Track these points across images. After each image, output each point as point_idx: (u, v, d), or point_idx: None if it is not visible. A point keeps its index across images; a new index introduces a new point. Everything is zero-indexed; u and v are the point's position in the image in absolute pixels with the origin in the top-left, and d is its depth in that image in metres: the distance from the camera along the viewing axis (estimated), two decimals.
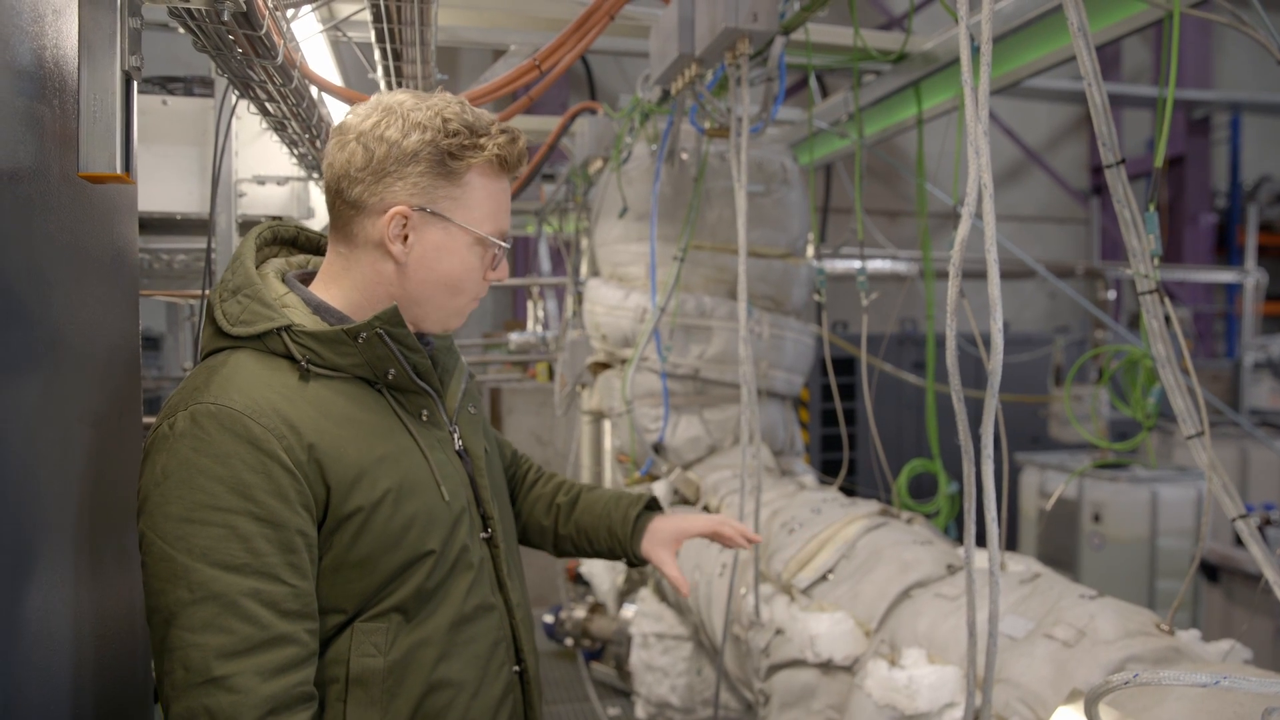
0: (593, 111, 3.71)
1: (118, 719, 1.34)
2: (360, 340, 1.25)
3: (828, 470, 6.66)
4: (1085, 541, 4.94)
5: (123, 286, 1.37)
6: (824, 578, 2.33)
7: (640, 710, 3.37)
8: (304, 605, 1.17)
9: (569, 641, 3.97)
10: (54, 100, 1.11)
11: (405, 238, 1.28)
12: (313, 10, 2.16)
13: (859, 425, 6.88)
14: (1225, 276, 8.61)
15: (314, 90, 2.18)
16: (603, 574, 4.13)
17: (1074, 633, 1.67)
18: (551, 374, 5.14)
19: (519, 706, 1.44)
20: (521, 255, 7.73)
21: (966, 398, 1.32)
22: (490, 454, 1.51)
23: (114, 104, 1.14)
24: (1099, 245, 10.56)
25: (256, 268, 1.32)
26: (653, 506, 1.72)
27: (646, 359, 3.48)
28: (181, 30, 1.52)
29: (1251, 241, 8.75)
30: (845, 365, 6.64)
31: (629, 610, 3.61)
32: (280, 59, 1.68)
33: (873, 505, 2.61)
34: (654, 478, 3.49)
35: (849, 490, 3.09)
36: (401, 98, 1.29)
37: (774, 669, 2.30)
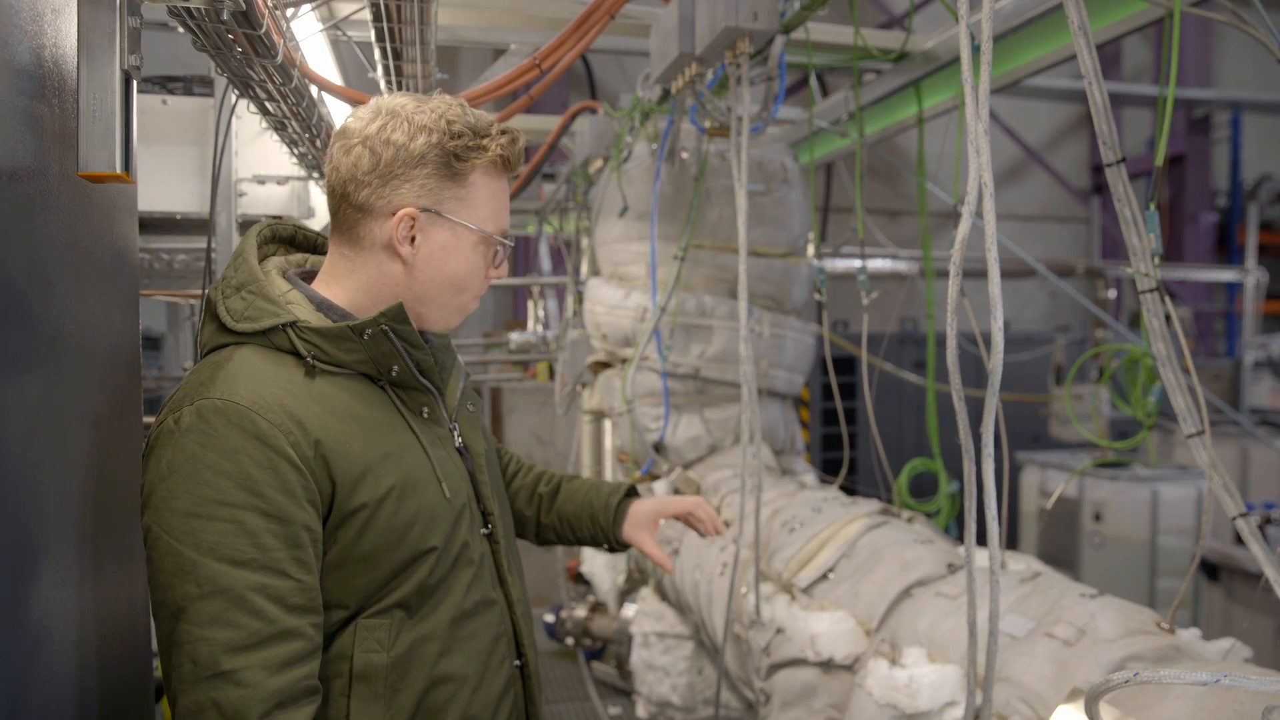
0: (593, 111, 3.71)
1: (120, 718, 1.34)
2: (366, 336, 1.27)
3: (828, 469, 6.66)
4: (1086, 540, 4.94)
5: (123, 286, 1.37)
6: (825, 577, 2.33)
7: (641, 709, 3.37)
8: (310, 600, 1.18)
9: (570, 641, 3.97)
10: (53, 100, 1.11)
11: (412, 239, 1.30)
12: (312, 9, 2.16)
13: (859, 424, 6.88)
14: (1225, 275, 8.60)
15: (314, 89, 2.18)
16: (603, 573, 4.13)
17: (1074, 631, 1.67)
18: (552, 373, 5.14)
19: (519, 701, 1.45)
20: (522, 255, 7.73)
21: (967, 397, 1.32)
22: (489, 451, 1.53)
23: (113, 103, 1.14)
24: (1099, 244, 10.56)
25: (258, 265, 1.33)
26: (631, 494, 1.78)
27: (647, 358, 3.48)
28: (181, 29, 1.52)
29: (1252, 240, 8.75)
30: (846, 364, 6.64)
31: (630, 609, 3.61)
32: (280, 58, 1.68)
33: (873, 504, 2.61)
34: (655, 477, 3.49)
35: (849, 489, 3.09)
36: (402, 101, 1.31)
37: (775, 668, 2.30)
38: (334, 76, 2.56)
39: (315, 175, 2.85)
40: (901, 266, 7.00)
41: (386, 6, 1.98)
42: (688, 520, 1.80)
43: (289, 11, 2.00)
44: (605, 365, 3.91)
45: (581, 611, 3.95)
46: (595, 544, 1.77)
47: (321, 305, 1.31)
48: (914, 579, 2.14)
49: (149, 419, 1.49)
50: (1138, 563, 4.84)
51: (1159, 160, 1.45)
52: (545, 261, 6.50)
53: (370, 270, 1.32)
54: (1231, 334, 10.05)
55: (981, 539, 1.37)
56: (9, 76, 1.00)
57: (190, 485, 1.13)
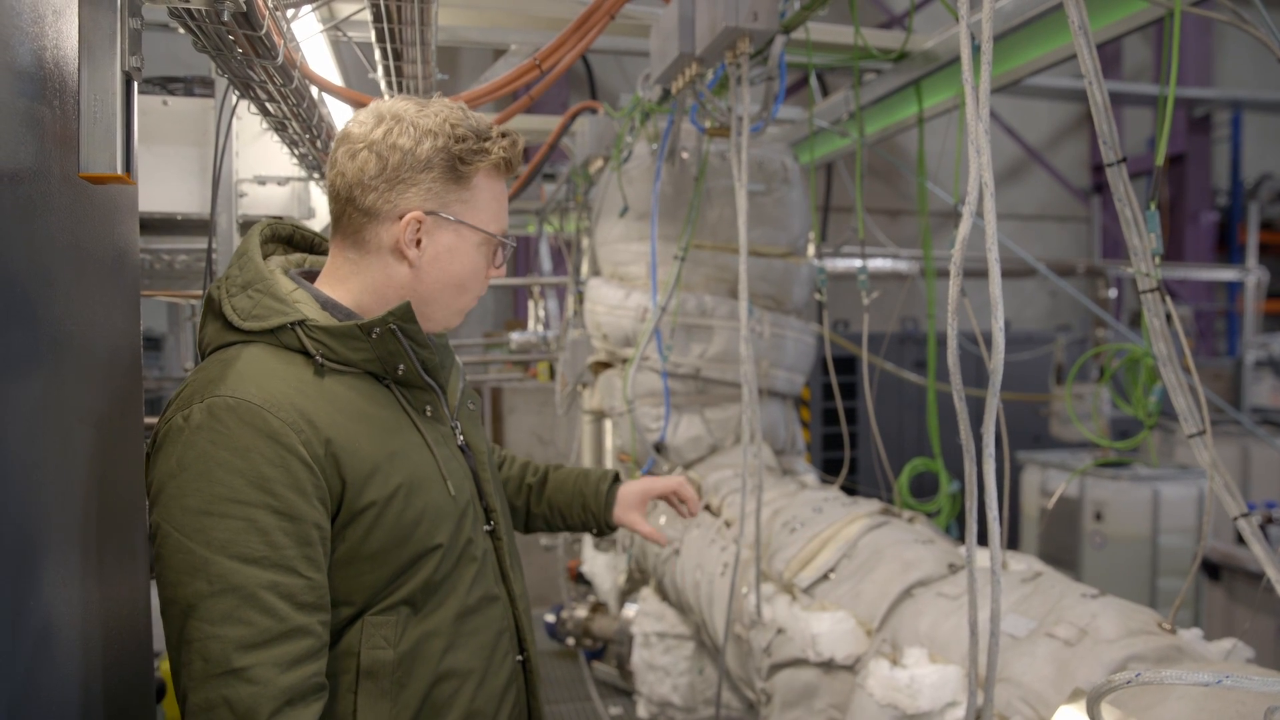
0: (593, 111, 3.71)
1: (122, 718, 1.34)
2: (374, 335, 1.28)
3: (829, 469, 6.66)
4: (1087, 540, 4.94)
5: (124, 287, 1.37)
6: (825, 577, 2.33)
7: (642, 709, 3.37)
8: (319, 598, 1.19)
9: (570, 641, 3.97)
10: (54, 101, 1.11)
11: (418, 242, 1.32)
12: (313, 10, 2.16)
13: (860, 424, 6.88)
14: (1226, 275, 8.60)
15: (314, 90, 2.18)
16: (604, 573, 4.13)
17: (1076, 632, 1.67)
18: (552, 373, 5.14)
19: (521, 695, 1.48)
20: (522, 255, 7.73)
21: (967, 396, 1.32)
22: (489, 450, 1.56)
23: (114, 104, 1.15)
24: (1100, 243, 10.56)
25: None
26: (617, 479, 1.87)
27: (647, 358, 3.48)
28: (181, 30, 1.52)
29: (1252, 239, 8.73)
30: (846, 364, 6.64)
31: (630, 610, 3.61)
32: (280, 59, 1.68)
33: (874, 504, 2.61)
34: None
35: (850, 489, 3.09)
36: (404, 105, 1.32)
37: (776, 668, 2.30)
38: (334, 77, 2.56)
39: (316, 176, 2.85)
40: (902, 266, 7.00)
41: (387, 7, 1.98)
42: (674, 497, 1.89)
43: (289, 12, 1.99)
44: (606, 365, 3.91)
45: (582, 611, 3.95)
46: (585, 529, 1.83)
47: (327, 305, 1.32)
48: (915, 579, 2.14)
49: (150, 419, 1.49)
50: (1139, 562, 4.84)
51: (1159, 160, 1.45)
52: (546, 261, 6.50)
53: (375, 272, 1.33)
54: (1232, 333, 10.05)
55: (982, 539, 1.37)
56: (10, 78, 1.00)
57: (201, 483, 1.13)
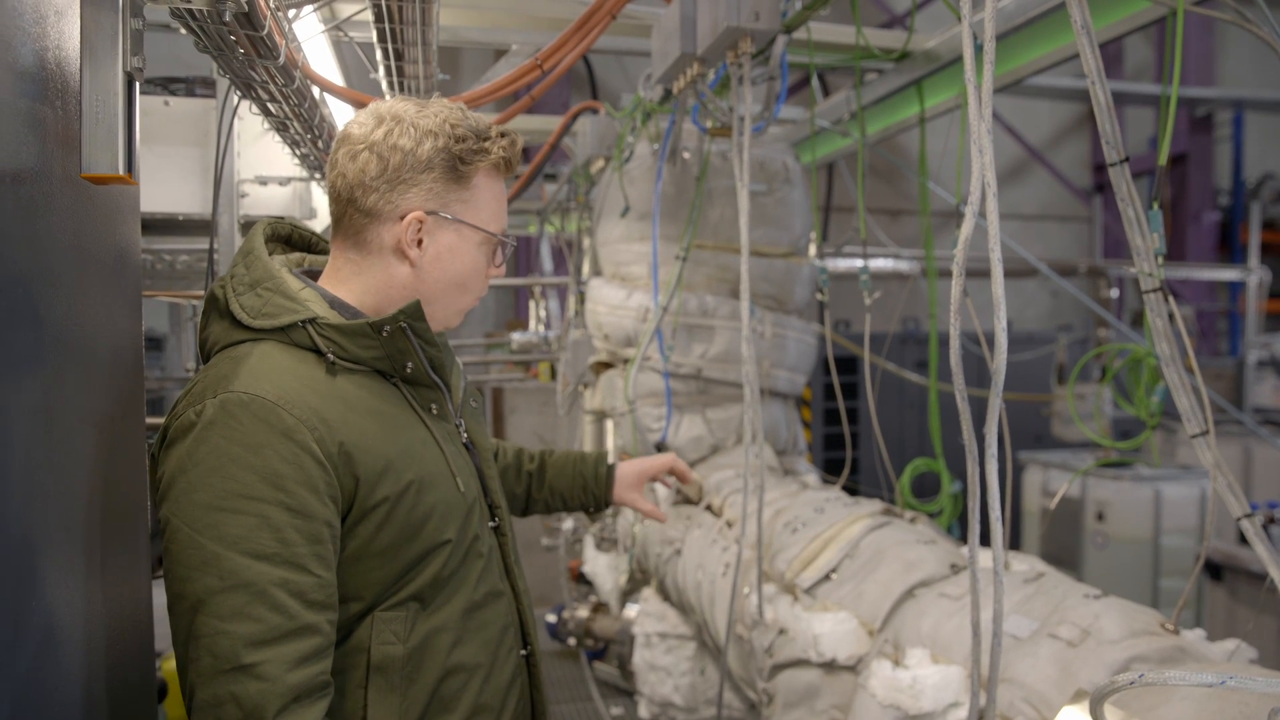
0: (594, 111, 3.70)
1: (127, 717, 1.34)
2: (385, 333, 1.28)
3: (830, 469, 6.66)
4: (1088, 540, 4.93)
5: (125, 287, 1.37)
6: (827, 577, 2.33)
7: (643, 710, 3.37)
8: (328, 596, 1.19)
9: (572, 641, 3.97)
10: (56, 101, 1.11)
11: (419, 241, 1.32)
12: (314, 10, 2.16)
13: (862, 424, 6.88)
14: (1228, 274, 8.59)
15: (316, 91, 2.18)
16: (605, 574, 4.13)
17: (1078, 632, 1.67)
18: (554, 374, 5.13)
19: (525, 689, 1.50)
20: (523, 255, 7.73)
21: (969, 396, 1.32)
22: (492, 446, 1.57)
23: (116, 105, 1.14)
24: (1101, 243, 10.55)
25: None
26: (611, 462, 2.00)
27: (649, 358, 3.47)
28: (183, 31, 1.52)
29: (1254, 239, 8.73)
30: (848, 364, 6.64)
31: (632, 610, 3.60)
32: (282, 59, 1.68)
33: (876, 504, 2.60)
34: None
35: (852, 489, 3.08)
36: (403, 105, 1.33)
37: (777, 669, 2.30)
38: (336, 77, 2.56)
39: (317, 176, 2.85)
40: (903, 266, 6.99)
41: (388, 7, 1.98)
42: (671, 474, 2.04)
43: (291, 13, 1.99)
44: (607, 365, 3.91)
45: (584, 612, 3.95)
46: (583, 509, 1.96)
47: (334, 303, 1.33)
48: (917, 579, 2.14)
49: (152, 420, 1.49)
50: (1140, 563, 4.83)
51: (1162, 159, 1.45)
52: (547, 262, 6.50)
53: (377, 273, 1.34)
54: (1234, 333, 10.04)
55: (985, 539, 1.36)
56: (12, 79, 1.00)
57: (214, 478, 1.13)
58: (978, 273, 1.66)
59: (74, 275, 1.16)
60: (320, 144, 2.40)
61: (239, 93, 1.96)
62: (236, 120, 2.54)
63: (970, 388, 1.33)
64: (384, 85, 2.45)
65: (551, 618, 4.02)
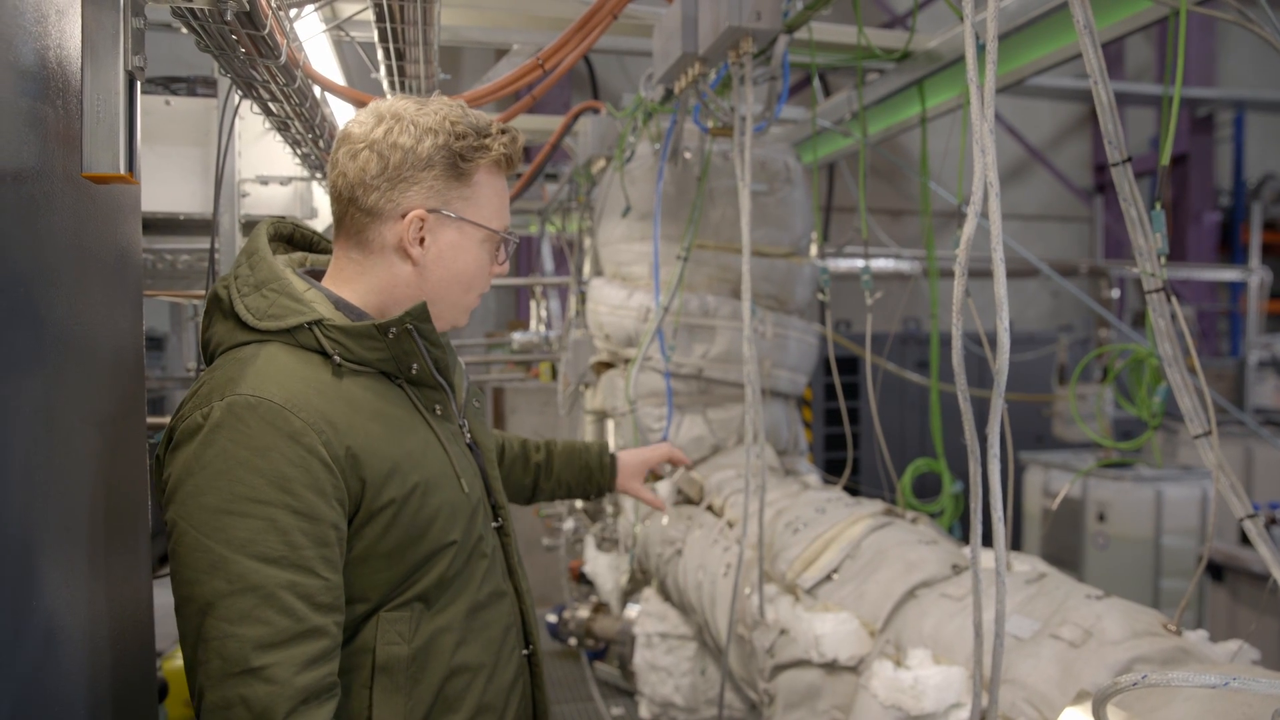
0: (595, 111, 3.70)
1: (128, 717, 1.34)
2: (391, 335, 1.28)
3: (831, 470, 6.65)
4: (1089, 541, 4.93)
5: (126, 287, 1.37)
6: (828, 578, 2.33)
7: (644, 710, 3.37)
8: (335, 598, 1.19)
9: (572, 641, 3.96)
10: (57, 101, 1.10)
11: (421, 240, 1.32)
12: (316, 10, 2.16)
13: (863, 424, 6.88)
14: (1229, 275, 8.58)
15: (317, 90, 2.17)
16: (606, 574, 4.13)
17: (1080, 633, 1.67)
18: (555, 374, 5.13)
19: (528, 688, 1.50)
20: (525, 255, 7.73)
21: (970, 396, 1.31)
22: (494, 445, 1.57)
23: (117, 104, 1.14)
24: (1102, 243, 10.54)
25: None
26: (613, 451, 2.09)
27: (650, 358, 3.47)
28: (184, 30, 1.52)
29: (1255, 240, 8.72)
30: (849, 364, 6.63)
31: (633, 610, 3.60)
32: (283, 59, 1.68)
33: (877, 505, 2.60)
34: (658, 477, 3.48)
35: (853, 490, 3.08)
36: (403, 104, 1.33)
37: (778, 669, 2.29)
38: (337, 77, 2.56)
39: (318, 176, 2.85)
40: (905, 266, 6.98)
41: (389, 7, 1.98)
42: (669, 462, 2.16)
43: (292, 12, 1.99)
44: (608, 365, 3.91)
45: (584, 612, 3.95)
46: (585, 496, 2.06)
47: (338, 304, 1.33)
48: (919, 580, 2.13)
49: (153, 420, 1.49)
50: (1142, 563, 4.83)
51: (1164, 159, 1.44)
52: (548, 261, 6.49)
53: (380, 272, 1.33)
54: (1235, 334, 10.03)
55: (986, 540, 1.36)
56: (13, 78, 1.00)
57: (221, 481, 1.13)
58: (979, 273, 1.66)
59: (75, 274, 1.16)
60: (321, 143, 2.39)
61: (240, 92, 1.96)
62: (238, 120, 2.54)
63: (971, 388, 1.33)
64: (385, 85, 2.45)
65: (552, 618, 4.02)
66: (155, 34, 1.45)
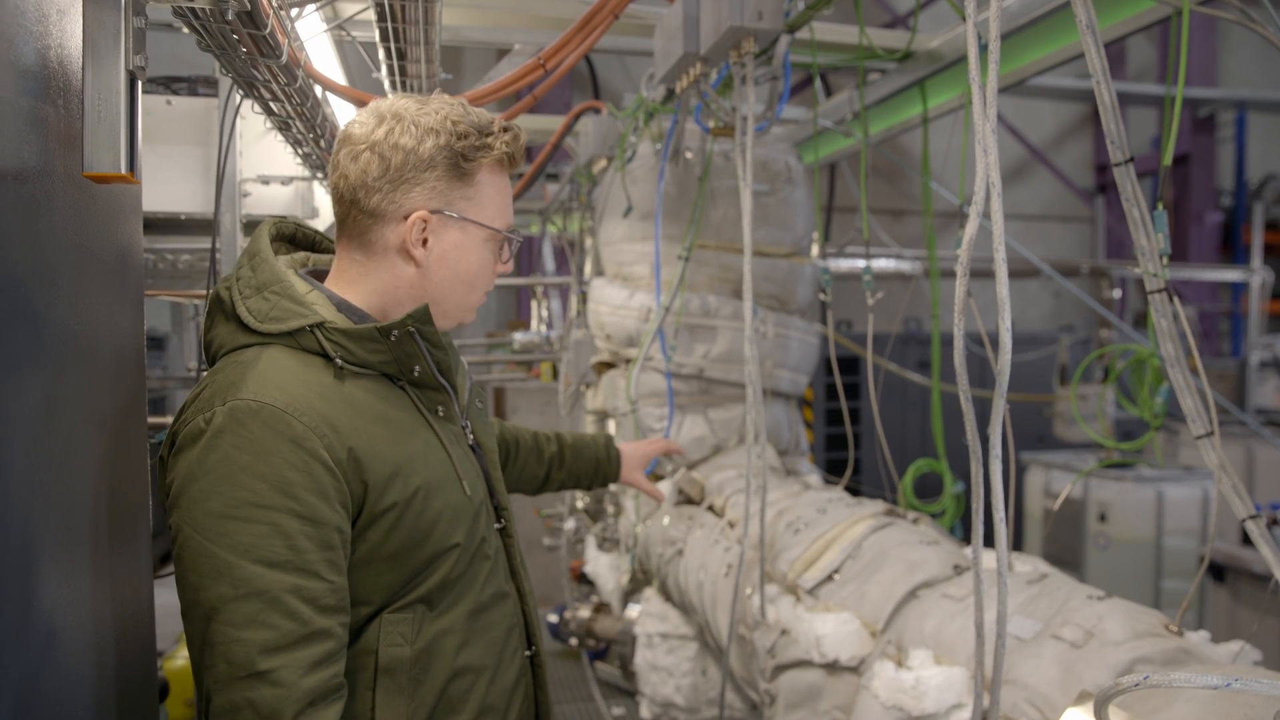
0: (597, 111, 3.70)
1: (130, 717, 1.34)
2: (393, 338, 1.28)
3: (833, 470, 6.65)
4: (1090, 541, 4.92)
5: (127, 286, 1.37)
6: (830, 578, 2.32)
7: (645, 710, 3.37)
8: (339, 600, 1.19)
9: (573, 641, 3.96)
10: (58, 100, 1.10)
11: (425, 241, 1.32)
12: (317, 10, 2.16)
13: (864, 425, 6.87)
14: (1231, 275, 8.57)
15: (318, 90, 2.17)
16: (607, 574, 4.13)
17: (1082, 634, 1.66)
18: (556, 373, 5.13)
19: (530, 689, 1.50)
20: (526, 255, 7.73)
21: (972, 397, 1.31)
22: (498, 441, 1.57)
23: (118, 104, 1.14)
24: (1104, 244, 10.53)
25: None
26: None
27: (651, 358, 3.47)
28: (186, 30, 1.52)
29: (1257, 240, 8.71)
30: (850, 364, 6.63)
31: (633, 610, 3.60)
32: (284, 58, 1.68)
33: (878, 505, 2.60)
34: (659, 477, 3.48)
35: (854, 490, 3.08)
36: (404, 103, 1.32)
37: (779, 669, 2.29)
38: (338, 77, 2.56)
39: (319, 175, 2.84)
40: (906, 266, 6.98)
41: (391, 6, 1.97)
42: (659, 470, 2.25)
43: (293, 12, 1.99)
44: (609, 365, 3.91)
45: (585, 612, 3.95)
46: (590, 486, 2.15)
47: (341, 306, 1.32)
48: (920, 580, 2.13)
49: (154, 419, 1.49)
50: (1142, 564, 4.82)
51: (1166, 159, 1.44)
52: (549, 261, 6.49)
53: (384, 274, 1.33)
54: (1236, 334, 10.02)
55: (988, 540, 1.36)
56: (14, 77, 1.00)
57: (224, 486, 1.13)
58: (981, 273, 1.66)
59: (76, 274, 1.16)
60: (322, 143, 2.39)
61: (241, 92, 1.96)
62: (239, 119, 2.54)
63: (973, 388, 1.33)
64: (386, 84, 2.45)
65: (553, 618, 4.02)
66: (156, 33, 1.45)
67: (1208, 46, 9.72)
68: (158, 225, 2.93)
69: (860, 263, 6.08)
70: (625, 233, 3.65)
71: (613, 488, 3.92)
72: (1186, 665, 1.55)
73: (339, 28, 2.48)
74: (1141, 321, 9.04)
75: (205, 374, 1.28)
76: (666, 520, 3.31)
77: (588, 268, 4.23)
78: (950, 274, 6.33)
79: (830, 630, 2.10)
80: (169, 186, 2.72)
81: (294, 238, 1.48)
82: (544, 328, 6.06)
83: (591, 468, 2.11)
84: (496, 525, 1.46)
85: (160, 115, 2.73)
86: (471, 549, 1.36)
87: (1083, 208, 10.67)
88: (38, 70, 1.05)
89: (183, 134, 2.75)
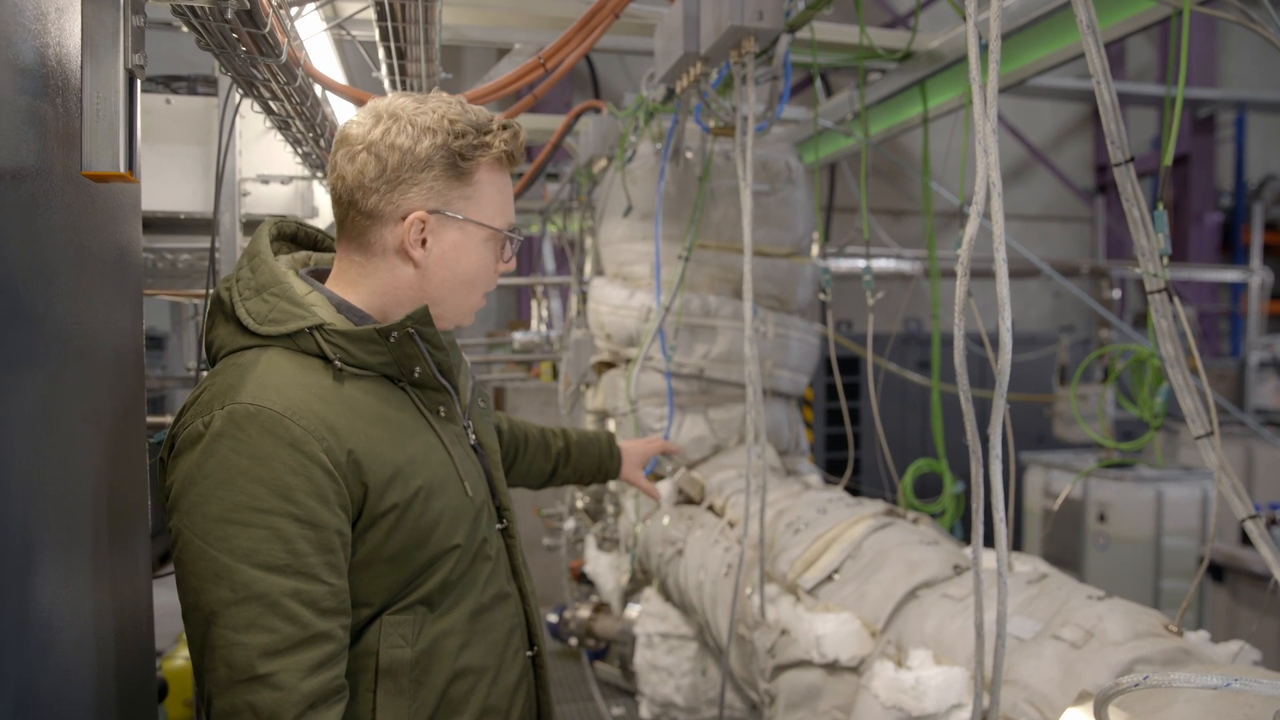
0: (597, 110, 3.70)
1: (129, 717, 1.34)
2: (392, 339, 1.27)
3: (833, 470, 6.65)
4: (1090, 541, 4.92)
5: (126, 286, 1.37)
6: (830, 578, 2.32)
7: (645, 710, 3.37)
8: (340, 603, 1.19)
9: (573, 641, 3.96)
10: (57, 99, 1.10)
11: (423, 241, 1.31)
12: (316, 9, 2.15)
13: (864, 425, 6.88)
14: (1230, 275, 8.58)
15: (318, 89, 2.17)
16: (607, 574, 4.13)
17: (1082, 634, 1.66)
18: (556, 373, 5.13)
19: (532, 690, 1.49)
20: (526, 254, 7.73)
21: (972, 397, 1.31)
22: (499, 436, 1.57)
23: (117, 102, 1.14)
24: (1104, 244, 10.53)
25: None
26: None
27: (651, 358, 3.47)
28: (185, 29, 1.51)
29: (1256, 240, 8.72)
30: (850, 364, 6.63)
31: (633, 610, 3.60)
32: (284, 57, 1.68)
33: (878, 505, 2.60)
34: (659, 477, 3.48)
35: (854, 490, 3.08)
36: (401, 102, 1.30)
37: (779, 669, 2.29)
38: (338, 76, 2.55)
39: (319, 175, 2.84)
40: (906, 266, 6.98)
41: (391, 6, 1.97)
42: (659, 471, 2.28)
43: (293, 10, 1.99)
44: (609, 365, 3.91)
45: (585, 612, 3.95)
46: (592, 482, 2.20)
47: (341, 307, 1.32)
48: (920, 580, 2.13)
49: (153, 419, 1.48)
50: (1142, 564, 4.82)
51: (1166, 160, 1.44)
52: (549, 261, 6.49)
53: (383, 275, 1.32)
54: (1236, 334, 10.03)
55: (988, 540, 1.36)
56: (12, 75, 0.99)
57: (223, 490, 1.13)
58: (981, 273, 1.67)
59: (74, 273, 1.16)
60: (322, 142, 2.39)
61: (241, 91, 1.95)
62: (238, 118, 2.53)
63: (973, 388, 1.32)
64: (386, 84, 2.45)
65: (553, 618, 4.02)
66: (155, 32, 1.45)
67: (1208, 47, 9.72)
68: (157, 224, 2.93)
69: (860, 263, 6.08)
70: (625, 232, 3.65)
71: (612, 486, 3.92)
72: (1186, 665, 1.55)
73: (339, 27, 2.47)
74: (1141, 321, 9.04)
75: (205, 376, 1.28)
76: (666, 520, 3.31)
77: (588, 267, 4.23)
78: (950, 274, 6.33)
79: (830, 630, 2.10)
80: (168, 186, 2.72)
81: (295, 237, 1.47)
82: (544, 327, 6.06)
83: (595, 464, 2.14)
84: (498, 526, 1.45)
85: (159, 114, 2.73)
86: (472, 550, 1.35)
87: (1083, 208, 10.68)
88: (36, 68, 1.05)
89: (182, 133, 2.74)
